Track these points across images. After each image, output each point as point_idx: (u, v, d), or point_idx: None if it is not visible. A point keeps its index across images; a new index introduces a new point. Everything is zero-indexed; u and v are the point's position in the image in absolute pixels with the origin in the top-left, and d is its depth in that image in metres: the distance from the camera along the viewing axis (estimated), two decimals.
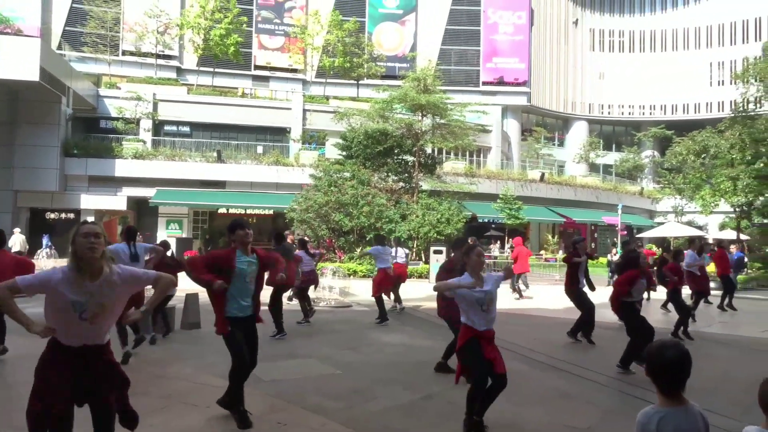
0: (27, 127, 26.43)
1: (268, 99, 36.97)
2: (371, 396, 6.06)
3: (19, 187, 26.64)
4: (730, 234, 30.17)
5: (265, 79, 41.10)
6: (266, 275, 5.67)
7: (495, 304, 4.93)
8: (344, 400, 5.85)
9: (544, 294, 16.76)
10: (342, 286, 15.47)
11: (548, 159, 44.98)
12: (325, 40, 38.05)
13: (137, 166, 28.16)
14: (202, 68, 37.25)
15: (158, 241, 10.77)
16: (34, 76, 23.02)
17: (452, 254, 7.54)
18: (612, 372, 7.27)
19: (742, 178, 24.43)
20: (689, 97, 48.96)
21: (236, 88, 39.42)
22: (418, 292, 15.03)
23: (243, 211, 28.34)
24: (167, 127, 32.51)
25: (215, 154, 29.37)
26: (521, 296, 15.86)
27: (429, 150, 28.05)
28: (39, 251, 21.96)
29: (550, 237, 36.50)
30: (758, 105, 26.66)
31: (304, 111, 33.93)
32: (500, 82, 44.20)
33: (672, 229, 31.50)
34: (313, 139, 33.47)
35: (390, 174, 25.38)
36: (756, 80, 26.31)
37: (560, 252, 30.96)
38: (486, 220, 31.68)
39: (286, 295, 11.00)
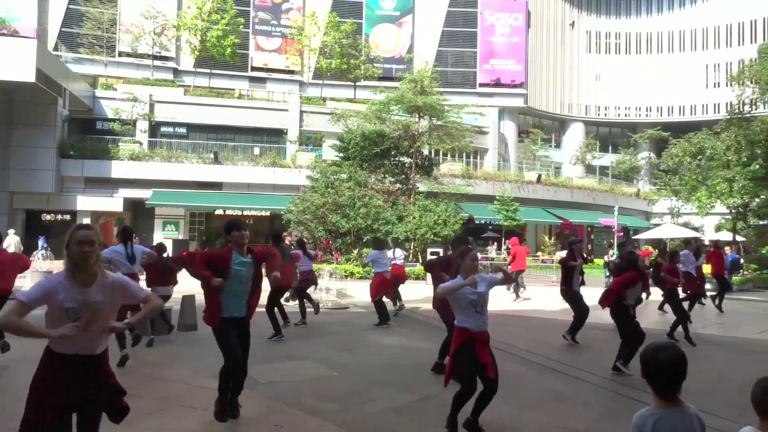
0: (23, 129, 26.35)
1: (265, 100, 36.93)
2: (368, 398, 6.05)
3: (15, 189, 26.55)
4: (726, 235, 30.27)
5: (262, 80, 41.08)
6: (264, 272, 5.64)
7: (487, 306, 4.93)
8: (341, 402, 5.85)
9: (541, 295, 16.77)
10: (339, 287, 15.47)
11: (545, 160, 45.04)
12: (322, 41, 38.04)
13: (133, 167, 28.09)
14: (198, 69, 37.21)
15: (154, 244, 10.76)
16: (30, 77, 22.95)
17: (449, 252, 7.54)
18: (608, 373, 7.29)
19: (738, 179, 24.53)
20: (685, 98, 49.11)
21: (233, 90, 39.40)
22: (416, 293, 15.03)
23: (240, 213, 28.29)
24: (164, 129, 32.44)
25: (212, 156, 29.32)
26: (518, 296, 15.88)
27: (426, 151, 28.06)
28: (35, 253, 21.85)
29: (546, 238, 36.55)
30: (754, 107, 26.78)
31: (301, 112, 33.92)
32: (497, 83, 44.27)
33: (668, 230, 31.58)
34: (310, 140, 33.45)
35: (387, 175, 25.38)
36: (751, 82, 26.41)
37: (557, 253, 31.01)
38: (483, 222, 31.70)
39: (285, 296, 10.98)
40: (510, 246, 17.74)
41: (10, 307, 3.08)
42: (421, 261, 22.36)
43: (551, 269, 23.93)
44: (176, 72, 38.98)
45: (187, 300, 9.81)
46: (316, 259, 12.26)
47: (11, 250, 18.41)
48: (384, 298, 11.35)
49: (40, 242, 23.84)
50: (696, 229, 35.34)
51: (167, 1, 37.22)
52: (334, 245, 22.94)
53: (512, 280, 5.07)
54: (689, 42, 49.94)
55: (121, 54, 37.65)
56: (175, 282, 9.28)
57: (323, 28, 37.94)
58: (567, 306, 9.89)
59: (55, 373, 3.15)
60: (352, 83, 39.38)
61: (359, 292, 15.28)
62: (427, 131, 25.98)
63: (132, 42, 36.52)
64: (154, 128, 32.01)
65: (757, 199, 25.68)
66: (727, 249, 18.78)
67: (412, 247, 22.95)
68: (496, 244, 32.20)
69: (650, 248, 29.52)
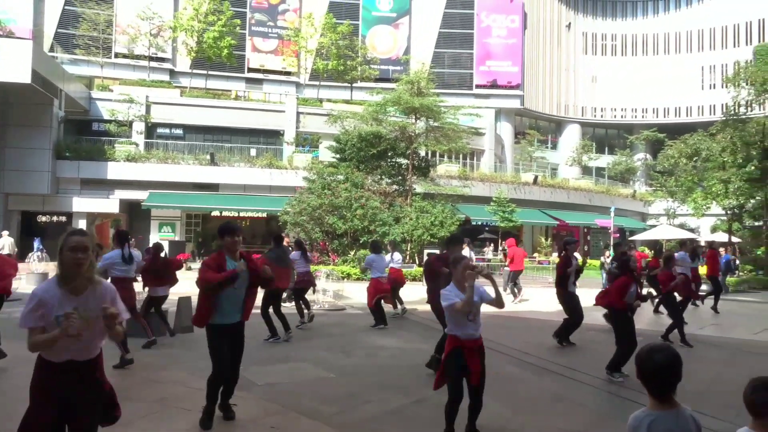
0: (18, 130, 26.27)
1: (262, 102, 36.90)
2: (365, 400, 6.05)
3: (10, 190, 26.46)
4: (721, 236, 30.36)
5: (259, 81, 41.06)
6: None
7: (479, 315, 4.92)
8: (338, 404, 5.84)
9: (538, 296, 16.80)
10: (336, 289, 15.46)
11: (541, 162, 45.11)
12: (318, 42, 38.05)
13: (130, 168, 28.04)
14: (195, 71, 37.17)
15: (151, 245, 10.74)
16: (25, 78, 22.88)
17: (445, 251, 7.53)
18: (604, 375, 7.29)
19: (734, 181, 24.61)
20: (681, 100, 49.26)
21: (229, 91, 39.37)
22: (412, 295, 15.02)
23: (236, 214, 28.24)
24: (160, 130, 32.38)
25: (208, 157, 29.28)
26: (516, 297, 15.89)
27: (422, 153, 28.09)
28: (30, 254, 21.82)
29: (543, 239, 36.61)
30: (749, 108, 26.85)
31: (298, 114, 33.91)
32: (493, 85, 44.34)
33: (664, 231, 31.66)
34: (307, 141, 33.45)
35: (383, 177, 25.39)
36: (747, 84, 26.50)
37: (554, 255, 31.06)
38: (479, 223, 31.74)
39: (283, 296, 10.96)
40: (507, 247, 17.76)
41: (30, 336, 3.10)
42: (418, 262, 22.37)
43: (548, 270, 23.97)
44: (172, 73, 38.93)
45: (183, 302, 9.79)
46: (312, 261, 12.21)
47: (5, 251, 18.42)
48: (383, 303, 11.32)
49: (36, 244, 23.78)
50: (692, 230, 35.45)
51: (163, 3, 37.18)
52: (331, 246, 22.92)
53: (502, 305, 4.99)
54: (685, 44, 50.11)
55: (117, 55, 37.58)
56: (173, 282, 9.25)
57: (320, 29, 37.94)
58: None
59: (47, 382, 3.14)
60: (349, 84, 39.39)
61: (356, 294, 15.28)
62: (424, 132, 26.00)
63: (128, 43, 36.45)
64: (151, 129, 31.95)
65: (752, 201, 25.77)
66: (722, 250, 18.88)
67: (409, 249, 22.96)
68: (492, 245, 32.25)
69: (646, 249, 29.59)
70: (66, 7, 37.18)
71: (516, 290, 16.07)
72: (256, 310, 5.87)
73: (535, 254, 33.90)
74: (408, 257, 22.70)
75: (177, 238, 29.03)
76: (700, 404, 5.12)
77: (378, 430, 5.17)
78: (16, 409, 3.17)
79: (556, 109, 49.55)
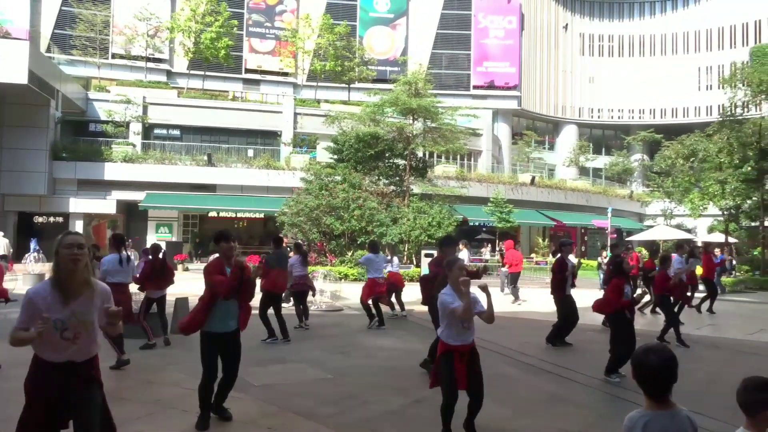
0: (15, 130, 26.22)
1: (259, 102, 36.89)
2: (363, 401, 6.04)
3: (7, 191, 26.40)
4: (718, 237, 30.42)
5: (256, 82, 41.02)
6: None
7: (473, 321, 4.91)
8: (336, 405, 5.84)
9: (535, 297, 16.80)
10: (333, 289, 15.45)
11: (539, 162, 45.19)
12: (316, 43, 38.04)
13: (127, 169, 27.99)
14: (192, 71, 37.12)
15: (148, 245, 10.71)
16: (22, 79, 22.84)
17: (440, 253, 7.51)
18: (602, 375, 7.29)
19: (730, 181, 24.66)
20: (678, 101, 49.35)
21: (227, 92, 39.32)
22: (409, 296, 15.01)
23: (233, 215, 28.24)
24: (157, 131, 32.34)
25: (205, 158, 29.25)
26: (516, 299, 15.89)
27: (420, 153, 28.11)
28: (27, 255, 21.71)
29: (540, 240, 36.63)
30: (745, 109, 26.92)
31: (295, 114, 33.89)
32: (491, 86, 44.37)
33: (661, 232, 31.69)
34: (304, 142, 33.44)
35: (381, 177, 25.40)
36: (743, 85, 26.55)
37: (551, 255, 31.08)
38: (477, 224, 31.76)
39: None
40: (505, 249, 17.78)
41: (12, 331, 3.11)
42: (415, 263, 22.36)
43: (545, 271, 23.99)
44: (170, 74, 38.87)
45: (180, 303, 9.76)
46: (310, 262, 12.17)
47: (0, 252, 18.38)
48: (381, 306, 11.31)
49: (32, 245, 23.69)
50: (689, 230, 35.50)
51: (160, 3, 37.13)
52: (328, 247, 22.91)
53: (492, 320, 4.95)
54: (682, 45, 50.22)
55: (114, 56, 37.51)
56: (170, 283, 9.21)
57: (317, 30, 37.95)
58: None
59: (43, 383, 3.13)
60: (347, 85, 39.38)
61: (353, 294, 15.25)
62: (422, 133, 26.02)
63: (125, 44, 36.38)
64: (148, 130, 31.91)
65: (748, 201, 25.82)
66: (717, 251, 18.93)
67: (406, 249, 22.96)
68: (490, 245, 32.27)
69: (643, 250, 29.65)
70: (63, 8, 37.10)
71: (515, 293, 16.07)
72: (253, 312, 5.85)
73: (533, 255, 33.94)
74: (405, 258, 22.70)
75: (174, 239, 28.97)
76: (696, 405, 5.13)
77: (376, 430, 5.16)
78: (12, 412, 3.15)
79: (554, 109, 49.61)
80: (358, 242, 22.18)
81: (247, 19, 40.97)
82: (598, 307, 7.61)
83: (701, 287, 14.65)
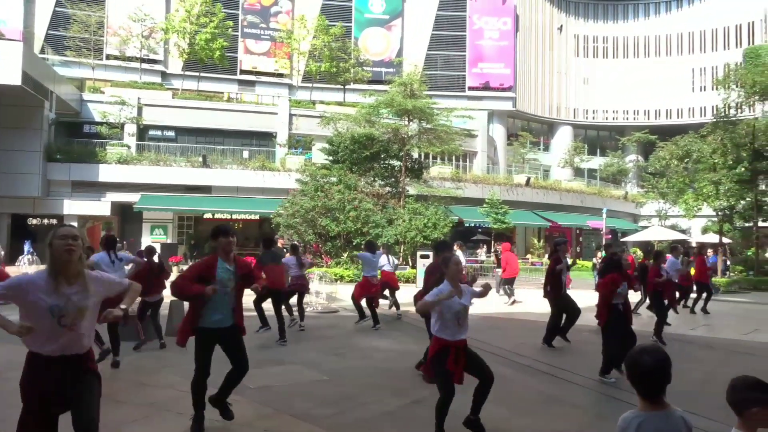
0: (9, 132, 26.08)
1: (254, 104, 36.83)
2: (359, 402, 6.04)
3: (1, 193, 26.21)
4: (712, 237, 30.54)
5: (251, 83, 40.97)
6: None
7: (467, 318, 4.97)
8: (332, 406, 5.83)
9: (531, 298, 16.83)
10: (329, 291, 15.44)
11: (534, 163, 45.30)
12: (311, 44, 38.03)
13: (121, 171, 27.89)
14: (187, 72, 37.04)
15: (143, 247, 10.67)
16: (16, 80, 22.72)
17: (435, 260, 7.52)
18: (597, 376, 7.31)
19: (724, 182, 24.76)
20: (672, 102, 49.57)
21: (222, 93, 39.22)
22: (405, 297, 15.00)
23: (229, 216, 28.16)
24: (152, 132, 32.24)
25: (200, 159, 29.18)
26: (510, 297, 15.93)
27: (415, 155, 28.13)
28: (20, 257, 21.69)
29: (536, 241, 36.72)
30: (739, 110, 27.05)
31: (291, 116, 33.86)
32: (486, 87, 44.45)
33: (656, 232, 31.83)
34: (300, 143, 33.41)
35: (377, 179, 25.40)
36: (737, 86, 26.67)
37: (546, 256, 31.15)
38: (472, 225, 31.79)
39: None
40: (500, 251, 17.80)
41: None
42: (411, 264, 22.37)
43: (540, 272, 24.02)
44: (164, 75, 38.79)
45: (175, 305, 9.74)
46: (305, 264, 12.13)
47: None
48: (376, 307, 11.31)
49: (26, 247, 23.60)
50: (683, 231, 35.65)
51: (155, 4, 37.05)
52: (324, 249, 22.89)
53: (486, 294, 5.07)
54: (676, 46, 50.45)
55: (108, 57, 37.39)
56: (162, 287, 9.18)
57: (312, 31, 37.93)
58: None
59: (40, 375, 3.11)
60: (342, 86, 39.38)
61: (349, 296, 15.23)
62: (417, 134, 26.04)
63: (120, 45, 36.27)
64: (142, 131, 31.81)
65: (742, 202, 25.93)
66: (710, 251, 19.08)
67: (402, 251, 22.96)
68: (485, 246, 32.30)
69: (638, 251, 29.75)
70: (57, 9, 36.98)
71: (509, 293, 16.11)
72: (250, 313, 5.84)
73: (528, 255, 33.99)
74: (401, 259, 22.69)
75: (169, 241, 28.90)
76: (691, 405, 5.14)
77: (374, 431, 5.16)
78: (12, 413, 3.14)
79: (548, 111, 49.74)
80: (354, 243, 22.17)
81: (242, 20, 40.92)
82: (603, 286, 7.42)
83: (695, 288, 14.71)
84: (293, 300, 10.69)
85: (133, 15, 34.76)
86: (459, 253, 16.28)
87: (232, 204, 28.50)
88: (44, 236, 3.35)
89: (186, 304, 5.24)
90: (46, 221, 27.64)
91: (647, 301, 12.42)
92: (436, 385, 4.87)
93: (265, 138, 33.72)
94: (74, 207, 27.42)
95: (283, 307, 10.04)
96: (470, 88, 44.27)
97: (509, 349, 8.98)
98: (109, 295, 3.45)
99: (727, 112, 26.50)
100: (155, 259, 9.35)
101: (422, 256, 19.16)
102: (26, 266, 18.40)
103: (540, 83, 49.09)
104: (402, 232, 22.43)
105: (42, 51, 35.64)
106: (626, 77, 50.12)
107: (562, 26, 50.56)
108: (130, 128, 30.89)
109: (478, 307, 12.94)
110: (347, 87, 39.37)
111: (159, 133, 32.36)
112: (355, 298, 11.29)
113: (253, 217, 29.59)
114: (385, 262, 12.48)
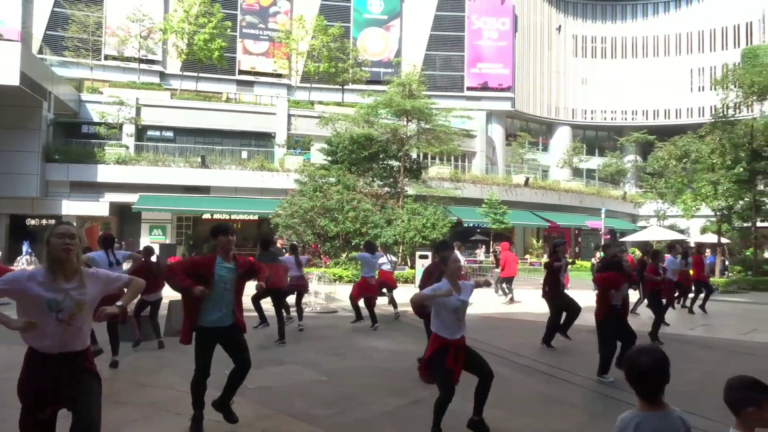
0: (7, 132, 26.04)
1: (253, 104, 36.82)
2: (359, 402, 6.03)
3: None
4: (711, 237, 30.58)
5: (250, 84, 40.96)
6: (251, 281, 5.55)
7: (465, 313, 4.97)
8: (332, 406, 5.83)
9: (530, 298, 16.83)
10: (327, 291, 15.43)
11: (532, 164, 45.34)
12: (309, 45, 38.03)
13: (120, 171, 27.87)
14: (185, 73, 37.02)
15: (141, 247, 10.66)
16: (14, 80, 22.68)
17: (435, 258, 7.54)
18: (596, 376, 7.31)
19: (723, 182, 24.79)
20: (670, 102, 49.64)
21: (220, 93, 39.21)
22: (404, 297, 15.01)
23: (227, 217, 28.14)
24: (150, 132, 32.22)
25: (199, 160, 29.16)
26: (512, 300, 15.94)
27: (414, 155, 28.13)
28: (19, 258, 21.63)
29: (534, 241, 36.74)
30: (737, 110, 27.09)
31: (289, 116, 33.85)
32: (485, 87, 44.48)
33: (654, 233, 31.86)
34: (298, 144, 33.40)
35: (375, 179, 25.40)
36: (735, 86, 26.70)
37: (545, 256, 31.17)
38: (471, 225, 31.81)
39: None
40: (500, 250, 17.82)
41: None
42: (410, 264, 22.37)
43: (539, 272, 24.02)
44: (163, 75, 38.76)
45: (174, 305, 9.72)
46: (306, 263, 12.12)
47: None
48: (373, 306, 11.31)
49: (25, 247, 23.56)
50: (682, 231, 35.70)
51: (153, 5, 37.02)
52: (323, 249, 22.88)
53: (490, 284, 5.11)
54: (674, 46, 50.53)
55: (107, 57, 37.37)
56: (161, 286, 9.16)
57: (311, 31, 37.94)
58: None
59: (39, 374, 3.10)
60: (340, 87, 39.39)
61: (348, 296, 15.23)
62: (416, 135, 26.04)
63: (118, 45, 36.25)
64: (141, 132, 31.79)
65: (740, 202, 25.97)
66: (707, 251, 19.14)
67: (401, 251, 22.95)
68: (484, 247, 32.31)
69: (636, 251, 29.78)
70: (55, 9, 36.94)
71: (507, 291, 16.12)
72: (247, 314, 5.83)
73: (527, 256, 34.01)
74: (400, 259, 22.69)
75: (168, 241, 28.86)
76: (690, 405, 5.14)
77: (373, 431, 5.16)
78: (12, 413, 3.13)
79: (547, 111, 49.78)
80: (353, 244, 22.16)
81: (240, 20, 40.91)
82: (601, 280, 7.40)
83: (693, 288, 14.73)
84: (291, 299, 10.69)
85: (131, 15, 34.74)
86: (457, 253, 16.31)
87: (230, 204, 28.49)
88: (43, 237, 3.35)
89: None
90: (44, 222, 27.59)
91: (646, 300, 12.44)
92: (437, 384, 4.86)
93: (264, 138, 33.71)
94: (73, 207, 27.37)
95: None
96: (469, 89, 44.30)
97: (508, 349, 8.98)
98: (109, 292, 3.44)
99: (725, 113, 26.53)
100: (153, 259, 9.35)
101: (421, 257, 19.16)
102: (25, 267, 18.33)
103: (538, 83, 49.13)
104: (401, 232, 22.43)
105: (40, 51, 35.61)
106: (625, 77, 50.19)
107: (560, 26, 50.61)
108: (129, 129, 30.87)
109: (477, 307, 12.97)
110: (346, 87, 39.38)
111: (157, 133, 32.34)
112: (353, 299, 11.29)
113: (251, 217, 29.58)
114: (384, 261, 12.48)
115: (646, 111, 50.50)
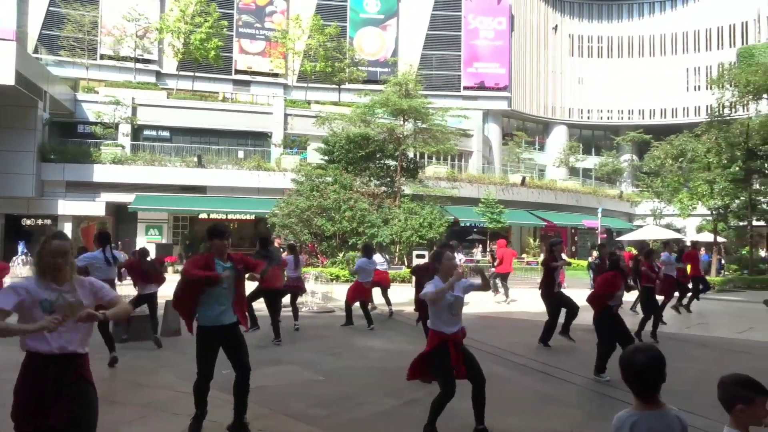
0: (2, 132, 25.91)
1: (249, 103, 36.78)
2: (355, 402, 6.04)
3: None
4: (707, 236, 30.66)
5: (246, 83, 40.88)
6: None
7: (462, 309, 4.98)
8: (328, 406, 5.83)
9: (526, 297, 16.85)
10: (324, 291, 15.42)
11: (529, 163, 45.38)
12: (306, 44, 37.98)
13: (116, 171, 27.79)
14: (181, 72, 36.94)
15: (137, 248, 10.65)
16: (9, 80, 22.60)
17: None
18: (592, 375, 7.32)
19: (719, 181, 24.85)
20: (666, 101, 49.74)
21: (217, 93, 39.13)
22: (400, 296, 15.02)
23: (224, 217, 28.10)
24: (146, 132, 32.14)
25: (195, 159, 29.10)
26: (498, 292, 15.92)
27: (411, 154, 28.13)
28: (14, 258, 21.55)
29: (531, 240, 36.78)
30: (733, 110, 27.17)
31: (286, 115, 33.82)
32: (481, 86, 44.50)
33: (651, 231, 31.93)
34: (295, 143, 33.38)
35: (372, 178, 25.40)
36: (731, 86, 26.78)
37: (542, 255, 31.21)
38: (468, 224, 31.83)
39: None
40: (497, 247, 17.82)
41: None
42: (407, 264, 22.38)
43: (536, 271, 24.06)
44: (159, 75, 38.64)
45: (171, 305, 9.70)
46: (302, 264, 12.13)
47: None
48: (369, 306, 11.33)
49: (20, 247, 23.50)
50: (678, 230, 35.77)
51: (149, 4, 36.92)
52: (320, 249, 22.88)
53: (489, 287, 5.08)
54: (670, 46, 50.63)
55: (102, 57, 37.24)
56: (161, 280, 9.17)
57: (307, 31, 37.90)
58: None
59: (38, 375, 3.09)
60: (337, 86, 39.35)
61: (344, 296, 15.24)
62: (412, 134, 26.05)
63: (114, 45, 36.16)
64: (137, 132, 31.71)
65: (736, 201, 26.05)
66: (702, 250, 19.22)
67: (397, 250, 22.97)
68: (481, 246, 32.36)
69: (633, 250, 29.82)
70: (50, 8, 36.78)
71: (501, 287, 16.09)
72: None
73: (524, 255, 34.05)
74: (397, 259, 22.69)
75: (164, 241, 28.82)
76: (686, 403, 5.16)
77: (369, 431, 5.16)
78: (8, 415, 3.12)
79: (543, 110, 49.83)
80: (350, 243, 22.16)
81: (236, 19, 40.82)
82: (593, 297, 7.57)
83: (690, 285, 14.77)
84: (286, 300, 10.68)
85: (127, 15, 34.66)
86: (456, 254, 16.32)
87: (227, 204, 28.44)
88: (38, 237, 3.33)
89: None
90: (40, 222, 27.49)
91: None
92: (438, 383, 4.83)
93: (261, 138, 33.67)
94: (68, 207, 27.30)
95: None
96: (465, 88, 44.31)
97: (504, 348, 8.99)
98: (100, 302, 3.43)
99: (721, 112, 26.60)
100: (147, 260, 9.35)
101: (418, 256, 19.21)
102: (20, 267, 18.29)
103: (535, 83, 49.17)
104: (398, 231, 22.44)
105: (35, 51, 35.45)
106: (621, 77, 50.25)
107: (556, 26, 50.65)
108: (125, 128, 30.78)
109: (473, 306, 12.98)
110: (342, 87, 39.34)
111: (154, 133, 32.26)
112: (348, 302, 11.24)
113: (248, 217, 29.55)
114: (381, 260, 12.49)
115: (643, 110, 50.60)
